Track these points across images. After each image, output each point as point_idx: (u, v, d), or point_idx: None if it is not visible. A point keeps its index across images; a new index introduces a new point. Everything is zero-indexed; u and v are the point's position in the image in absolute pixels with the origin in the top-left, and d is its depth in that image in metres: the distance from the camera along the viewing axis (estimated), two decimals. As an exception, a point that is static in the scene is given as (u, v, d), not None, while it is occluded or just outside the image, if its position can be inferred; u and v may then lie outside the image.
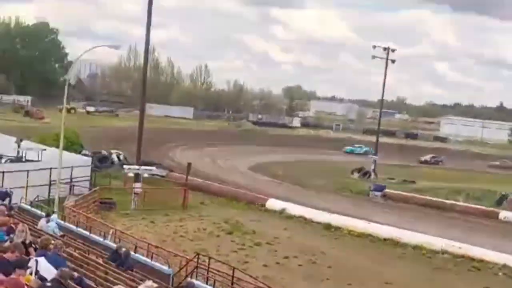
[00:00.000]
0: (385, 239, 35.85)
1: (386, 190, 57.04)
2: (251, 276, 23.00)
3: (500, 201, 55.85)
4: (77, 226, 26.59)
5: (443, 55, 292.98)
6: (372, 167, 71.60)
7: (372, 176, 69.68)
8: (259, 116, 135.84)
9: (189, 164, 45.31)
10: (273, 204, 43.07)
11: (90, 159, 44.76)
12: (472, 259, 32.58)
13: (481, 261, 32.31)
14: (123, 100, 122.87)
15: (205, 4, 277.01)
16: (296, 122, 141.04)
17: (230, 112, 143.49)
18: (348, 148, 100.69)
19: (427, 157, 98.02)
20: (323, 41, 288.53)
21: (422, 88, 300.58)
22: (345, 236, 36.51)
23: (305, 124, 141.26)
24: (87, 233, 25.62)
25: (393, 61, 72.26)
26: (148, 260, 22.80)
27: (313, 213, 40.68)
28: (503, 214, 49.26)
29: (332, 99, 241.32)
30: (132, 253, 21.65)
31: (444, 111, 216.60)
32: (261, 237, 33.50)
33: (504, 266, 31.46)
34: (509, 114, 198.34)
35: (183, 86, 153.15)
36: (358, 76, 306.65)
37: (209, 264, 22.39)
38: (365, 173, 70.15)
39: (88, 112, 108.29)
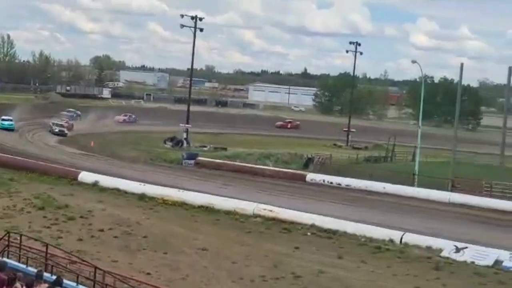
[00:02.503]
0: (199, 207, 36.39)
1: (199, 158, 57.84)
2: (65, 251, 22.64)
3: (307, 164, 58.48)
4: None
5: (249, 23, 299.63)
6: (184, 135, 72.28)
7: (185, 144, 70.35)
8: (68, 88, 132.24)
9: (-5, 140, 43.51)
10: (85, 177, 42.34)
11: None
12: (283, 221, 33.83)
13: (291, 222, 33.62)
14: None
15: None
16: (106, 92, 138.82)
17: (37, 84, 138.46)
18: None
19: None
20: (131, 10, 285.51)
21: (230, 56, 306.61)
22: (159, 205, 36.66)
23: (115, 95, 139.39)
24: None
25: (201, 30, 73.16)
26: (-45, 242, 21.79)
27: (126, 185, 40.47)
28: (310, 176, 51.60)
29: (142, 68, 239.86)
30: None
31: (252, 79, 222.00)
32: (75, 211, 32.93)
33: (312, 226, 32.95)
34: (313, 79, 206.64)
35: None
36: (167, 45, 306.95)
37: (21, 242, 21.71)
38: (177, 142, 70.72)
39: None
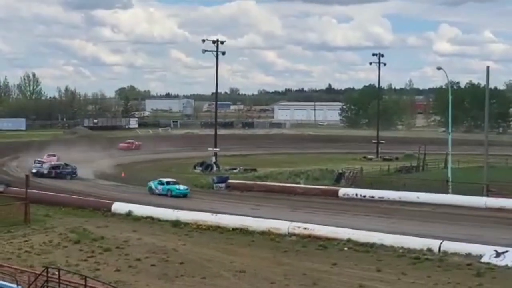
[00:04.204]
0: (233, 229, 36.35)
1: (230, 180, 57.78)
2: (103, 283, 22.69)
3: (338, 179, 58.16)
4: None
5: (271, 43, 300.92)
6: (214, 159, 72.34)
7: (214, 168, 70.35)
8: (95, 121, 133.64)
9: (27, 176, 43.86)
10: (119, 207, 42.50)
11: None
12: (319, 238, 33.68)
13: (327, 239, 33.46)
14: None
15: (25, 11, 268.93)
16: (133, 123, 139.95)
17: (64, 119, 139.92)
18: None
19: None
20: (153, 39, 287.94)
21: (253, 78, 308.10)
22: (194, 231, 36.67)
23: (142, 124, 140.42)
24: None
25: (223, 53, 73.15)
26: (-6, 280, 21.95)
27: (160, 212, 40.56)
28: (342, 191, 51.31)
29: (167, 96, 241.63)
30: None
31: (277, 98, 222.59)
32: (110, 243, 33.04)
33: (349, 240, 32.76)
34: (338, 94, 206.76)
35: (12, 98, 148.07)
36: (190, 72, 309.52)
37: (59, 276, 21.82)
38: (207, 166, 70.67)
39: None
